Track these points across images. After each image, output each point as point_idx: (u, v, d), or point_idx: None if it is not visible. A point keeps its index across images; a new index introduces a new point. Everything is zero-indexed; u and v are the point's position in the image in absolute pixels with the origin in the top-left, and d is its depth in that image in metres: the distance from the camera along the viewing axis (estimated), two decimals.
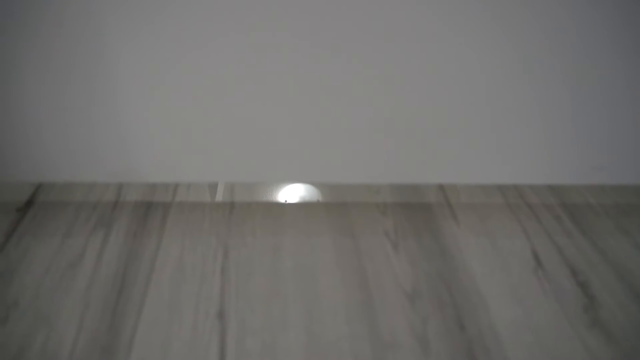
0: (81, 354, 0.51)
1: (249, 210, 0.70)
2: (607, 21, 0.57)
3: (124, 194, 0.72)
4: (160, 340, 0.52)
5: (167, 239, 0.65)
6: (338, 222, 0.69)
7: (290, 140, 0.68)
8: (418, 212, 0.72)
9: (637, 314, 0.57)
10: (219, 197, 0.72)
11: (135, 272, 0.60)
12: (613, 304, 0.58)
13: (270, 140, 0.67)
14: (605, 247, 0.67)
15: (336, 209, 0.72)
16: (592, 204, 0.75)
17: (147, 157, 0.68)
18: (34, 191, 0.72)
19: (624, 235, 0.69)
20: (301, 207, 0.72)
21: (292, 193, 0.74)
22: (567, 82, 0.62)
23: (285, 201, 0.68)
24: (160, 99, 0.62)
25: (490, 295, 0.59)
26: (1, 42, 0.57)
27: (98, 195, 0.71)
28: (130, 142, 0.67)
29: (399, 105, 0.64)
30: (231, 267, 0.61)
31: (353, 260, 0.63)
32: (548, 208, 0.74)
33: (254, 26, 0.56)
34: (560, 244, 0.67)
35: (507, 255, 0.65)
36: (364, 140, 0.68)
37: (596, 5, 0.56)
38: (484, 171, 0.73)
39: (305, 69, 0.60)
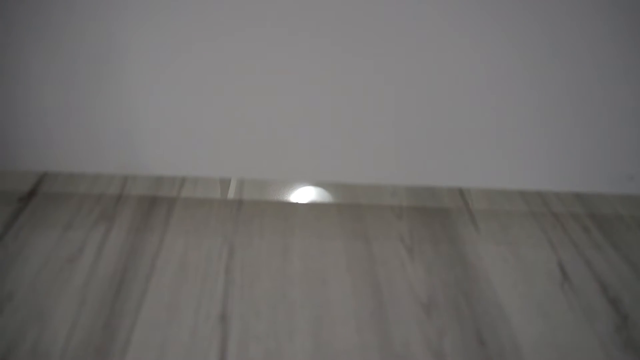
0: (73, 353, 0.48)
1: (258, 208, 0.67)
2: (627, 24, 0.53)
3: (129, 187, 0.69)
4: (157, 343, 0.49)
5: (171, 236, 0.62)
6: (351, 224, 0.66)
7: (303, 138, 0.64)
8: (435, 216, 0.68)
9: None
10: (227, 194, 0.69)
11: (135, 270, 0.57)
12: None
13: (282, 137, 0.64)
14: (638, 262, 0.62)
15: (349, 210, 0.68)
16: (623, 215, 0.70)
17: (154, 149, 0.66)
18: (38, 181, 0.69)
19: None
20: (313, 207, 0.68)
21: (303, 192, 0.71)
22: (596, 87, 0.58)
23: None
24: (169, 92, 0.60)
25: (513, 309, 0.54)
26: (10, 35, 0.55)
27: (102, 188, 0.69)
28: (137, 134, 0.64)
29: (419, 104, 0.61)
30: (236, 268, 0.58)
31: (365, 265, 0.59)
32: (575, 218, 0.69)
33: (268, 22, 0.53)
34: (588, 256, 0.62)
35: (530, 267, 0.60)
36: (381, 139, 0.64)
37: (613, 9, 0.52)
38: (505, 176, 0.69)
39: (323, 68, 0.57)
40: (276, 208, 0.67)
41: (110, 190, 0.69)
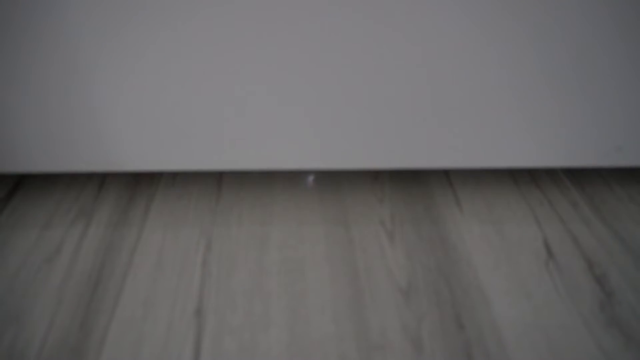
0: (49, 354, 0.48)
1: (237, 199, 0.66)
2: None
3: (108, 184, 0.69)
4: (132, 340, 0.49)
5: (148, 230, 0.61)
6: (331, 211, 0.64)
7: (280, 123, 0.63)
8: (418, 199, 0.66)
9: None
10: (206, 186, 0.68)
11: (112, 267, 0.57)
12: (634, 301, 0.52)
13: (260, 125, 0.63)
14: (627, 237, 0.60)
15: (330, 196, 0.67)
16: (613, 188, 0.68)
17: (132, 145, 0.65)
18: (16, 182, 0.69)
19: None
20: (293, 195, 0.67)
21: (284, 181, 0.70)
22: (582, 56, 0.56)
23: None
24: (142, 86, 0.58)
25: (494, 291, 0.53)
26: None
27: (81, 186, 0.68)
28: (114, 131, 0.63)
29: (398, 81, 0.59)
30: (213, 261, 0.57)
31: (344, 252, 0.58)
32: (564, 193, 0.67)
33: (238, 5, 0.52)
34: (575, 232, 0.61)
35: (515, 246, 0.59)
36: (361, 121, 0.63)
37: None
38: (493, 154, 0.67)
39: (298, 51, 0.55)
40: (255, 197, 0.67)
41: (88, 188, 0.68)
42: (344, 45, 0.55)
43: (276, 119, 0.62)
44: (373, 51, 0.56)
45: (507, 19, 0.53)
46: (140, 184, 0.69)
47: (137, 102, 0.60)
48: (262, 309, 0.52)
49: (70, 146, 0.65)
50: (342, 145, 0.65)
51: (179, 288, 0.54)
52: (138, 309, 0.52)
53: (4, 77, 0.58)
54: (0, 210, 0.64)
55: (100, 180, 0.69)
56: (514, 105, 0.61)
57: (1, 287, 0.54)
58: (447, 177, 0.70)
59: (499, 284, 0.54)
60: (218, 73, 0.58)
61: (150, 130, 0.63)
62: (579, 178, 0.70)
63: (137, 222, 0.63)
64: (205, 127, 0.63)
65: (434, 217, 0.63)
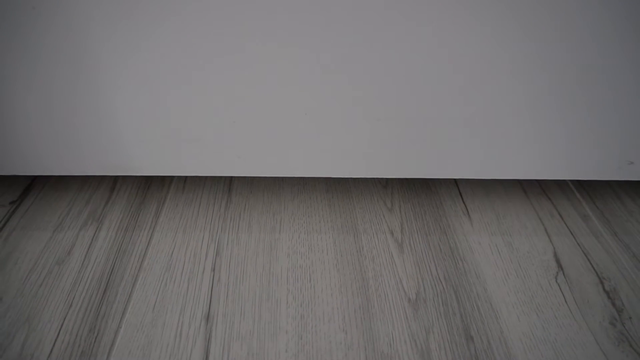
0: (59, 357, 0.48)
1: (247, 205, 0.67)
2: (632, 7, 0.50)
3: (118, 188, 0.69)
4: (141, 345, 0.49)
5: (159, 235, 0.62)
6: (341, 219, 0.64)
7: (291, 131, 0.63)
8: (428, 209, 0.66)
9: None
10: (216, 191, 0.69)
11: (123, 271, 0.57)
12: None
13: (269, 131, 0.63)
14: (638, 251, 0.59)
15: (340, 204, 0.67)
16: (626, 201, 0.67)
17: (142, 150, 0.65)
18: (29, 184, 0.70)
19: None
20: (302, 202, 0.67)
21: (293, 188, 0.70)
22: (595, 70, 0.56)
23: None
24: (152, 90, 0.59)
25: (503, 303, 0.53)
26: None
27: (92, 190, 0.69)
28: (125, 134, 0.64)
29: (410, 92, 0.59)
30: (223, 266, 0.57)
31: (353, 261, 0.58)
32: (575, 206, 0.67)
33: (249, 11, 0.52)
34: (586, 246, 0.60)
35: (524, 258, 0.58)
36: (372, 130, 0.63)
37: None
38: (503, 166, 0.67)
39: (308, 58, 0.56)
40: (265, 204, 0.67)
41: (100, 191, 0.69)
42: (356, 55, 0.55)
43: (287, 126, 0.62)
44: (385, 61, 0.56)
45: (518, 32, 0.53)
46: (151, 188, 0.69)
47: (149, 107, 0.61)
48: (271, 316, 0.52)
49: (82, 149, 0.66)
50: (352, 153, 0.65)
51: (188, 293, 0.54)
52: (147, 314, 0.52)
53: (20, 82, 0.58)
54: (12, 212, 0.65)
55: (112, 184, 0.70)
56: (525, 117, 0.61)
57: (12, 290, 0.55)
58: (456, 187, 0.70)
59: (508, 296, 0.54)
60: (231, 80, 0.58)
61: (162, 134, 0.64)
62: (589, 190, 0.70)
63: (147, 226, 0.63)
64: (217, 132, 0.63)
65: (443, 227, 0.63)
